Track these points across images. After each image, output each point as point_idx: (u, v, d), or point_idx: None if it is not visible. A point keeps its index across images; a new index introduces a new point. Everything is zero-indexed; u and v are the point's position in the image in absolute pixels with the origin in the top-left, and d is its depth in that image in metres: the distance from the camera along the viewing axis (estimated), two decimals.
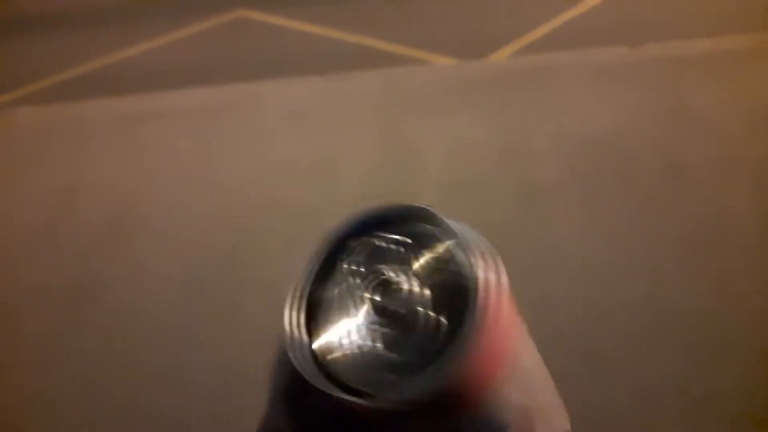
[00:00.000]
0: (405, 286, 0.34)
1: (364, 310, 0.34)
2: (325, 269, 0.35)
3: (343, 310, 0.34)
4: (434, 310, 0.34)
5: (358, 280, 0.34)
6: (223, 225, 2.19)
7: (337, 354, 0.34)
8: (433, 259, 0.35)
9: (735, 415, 1.56)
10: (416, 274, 0.35)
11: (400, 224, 0.35)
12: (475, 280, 0.34)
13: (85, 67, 3.65)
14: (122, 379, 1.76)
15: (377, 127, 2.69)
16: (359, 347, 0.34)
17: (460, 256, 0.35)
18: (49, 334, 1.94)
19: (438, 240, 0.35)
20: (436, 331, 0.34)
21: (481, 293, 0.34)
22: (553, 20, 3.56)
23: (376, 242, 0.35)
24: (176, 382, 1.73)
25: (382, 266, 0.34)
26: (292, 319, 0.33)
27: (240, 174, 2.43)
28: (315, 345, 0.34)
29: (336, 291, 0.35)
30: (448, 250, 0.35)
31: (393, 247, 0.35)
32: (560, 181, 2.28)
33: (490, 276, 0.35)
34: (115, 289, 2.02)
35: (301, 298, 0.34)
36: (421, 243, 0.35)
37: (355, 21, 3.76)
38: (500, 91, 2.84)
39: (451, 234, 0.35)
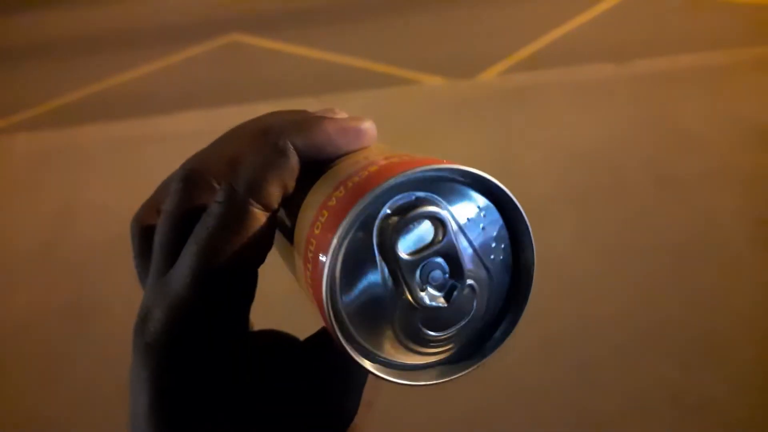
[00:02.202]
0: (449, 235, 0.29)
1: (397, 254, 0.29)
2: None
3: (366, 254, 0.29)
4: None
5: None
6: None
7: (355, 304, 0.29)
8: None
9: (729, 424, 1.56)
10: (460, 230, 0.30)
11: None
12: (532, 263, 0.31)
13: (80, 93, 3.67)
14: (120, 400, 1.77)
15: None
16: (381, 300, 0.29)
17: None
18: (47, 355, 1.94)
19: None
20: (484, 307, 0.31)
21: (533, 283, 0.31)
22: (540, 39, 3.61)
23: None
24: None
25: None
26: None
27: None
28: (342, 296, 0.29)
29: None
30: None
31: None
32: (551, 196, 2.31)
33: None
34: (113, 309, 2.03)
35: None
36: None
37: (347, 43, 3.81)
38: (490, 110, 2.87)
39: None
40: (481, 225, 0.30)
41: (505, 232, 0.31)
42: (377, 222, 0.28)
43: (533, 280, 0.31)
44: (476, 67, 3.38)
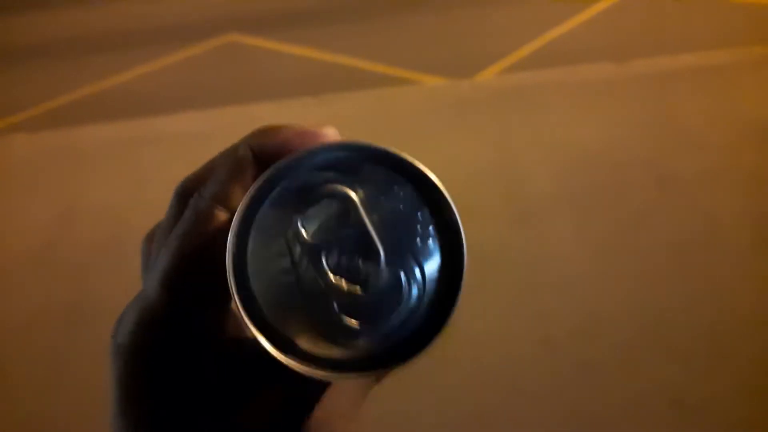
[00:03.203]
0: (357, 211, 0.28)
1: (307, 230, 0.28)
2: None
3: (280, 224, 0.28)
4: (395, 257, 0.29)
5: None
6: None
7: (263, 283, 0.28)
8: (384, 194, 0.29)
9: (730, 423, 1.56)
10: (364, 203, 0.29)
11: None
12: (460, 236, 0.29)
13: (79, 94, 3.67)
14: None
15: None
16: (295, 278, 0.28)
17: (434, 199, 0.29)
18: (47, 357, 1.94)
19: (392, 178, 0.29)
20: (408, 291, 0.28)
21: (466, 257, 0.29)
22: (539, 38, 3.61)
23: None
24: None
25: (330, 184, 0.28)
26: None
27: None
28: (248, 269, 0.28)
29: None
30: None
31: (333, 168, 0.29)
32: (551, 195, 2.31)
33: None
34: (113, 310, 2.02)
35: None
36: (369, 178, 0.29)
37: (346, 43, 3.80)
38: (489, 109, 2.87)
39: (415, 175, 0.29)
40: (401, 206, 0.29)
41: (428, 216, 0.29)
42: (279, 201, 0.28)
43: (464, 267, 0.29)
44: (475, 67, 3.38)
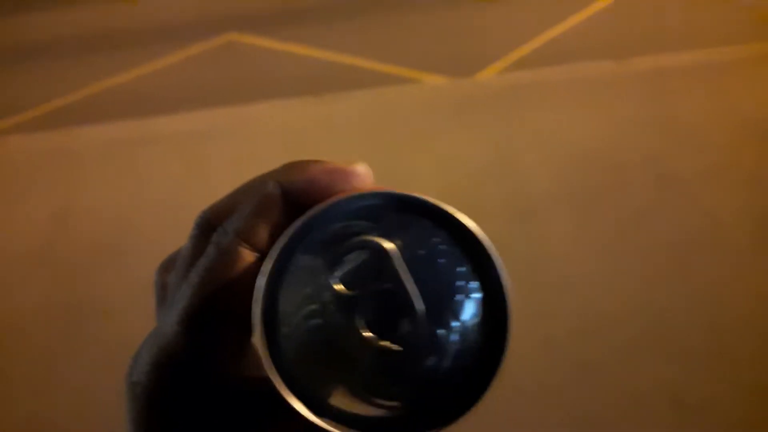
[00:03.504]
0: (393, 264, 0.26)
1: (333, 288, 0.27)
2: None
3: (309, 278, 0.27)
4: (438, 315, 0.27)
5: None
6: None
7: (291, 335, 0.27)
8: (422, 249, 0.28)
9: (730, 423, 1.56)
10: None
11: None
12: (505, 288, 0.27)
13: (76, 94, 3.66)
14: (121, 400, 1.76)
15: (371, 145, 2.71)
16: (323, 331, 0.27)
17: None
18: (45, 357, 1.94)
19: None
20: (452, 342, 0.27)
21: (512, 310, 0.27)
22: (540, 37, 3.60)
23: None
24: None
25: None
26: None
27: None
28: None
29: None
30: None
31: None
32: (551, 194, 2.30)
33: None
34: (111, 311, 2.02)
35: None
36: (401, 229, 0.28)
37: (346, 42, 3.80)
38: (490, 108, 2.87)
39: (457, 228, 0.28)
40: (440, 260, 0.27)
41: (469, 271, 0.28)
42: (314, 250, 0.27)
43: (509, 332, 0.27)
44: (476, 66, 3.38)
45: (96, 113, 3.36)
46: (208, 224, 0.32)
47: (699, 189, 2.26)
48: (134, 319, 2.02)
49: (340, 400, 0.27)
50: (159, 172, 2.71)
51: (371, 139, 2.75)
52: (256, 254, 0.29)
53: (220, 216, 0.31)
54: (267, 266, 0.26)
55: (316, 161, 0.31)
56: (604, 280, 1.96)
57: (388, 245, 0.27)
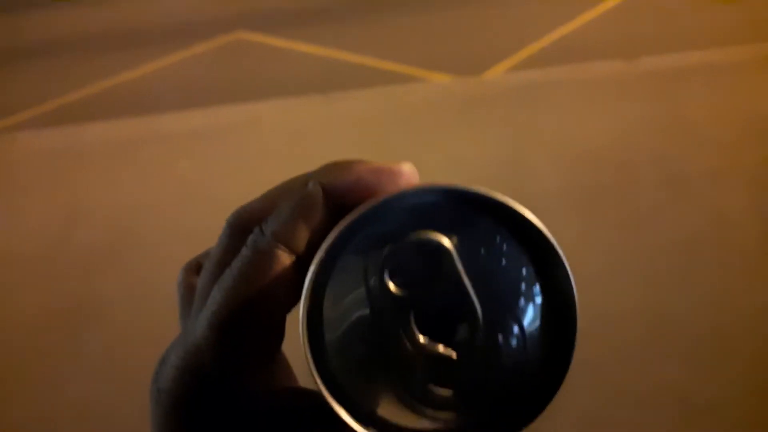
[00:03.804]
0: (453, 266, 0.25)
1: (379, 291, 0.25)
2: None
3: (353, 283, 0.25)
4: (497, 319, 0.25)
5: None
6: None
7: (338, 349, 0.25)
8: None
9: (734, 423, 1.55)
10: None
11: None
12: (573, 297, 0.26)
13: (84, 91, 3.67)
14: (124, 401, 1.76)
15: (378, 144, 2.70)
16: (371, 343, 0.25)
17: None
18: (50, 358, 1.94)
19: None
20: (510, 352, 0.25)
21: (579, 317, 0.25)
22: (547, 36, 3.59)
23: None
24: None
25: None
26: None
27: (240, 194, 2.43)
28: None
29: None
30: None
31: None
32: (558, 194, 2.30)
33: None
34: (116, 310, 2.03)
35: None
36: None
37: (353, 41, 3.80)
38: (497, 107, 2.86)
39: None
40: (502, 261, 0.26)
41: (534, 273, 0.26)
42: (363, 251, 0.25)
43: (576, 339, 0.25)
44: (483, 65, 3.37)
45: (103, 111, 3.37)
46: (242, 225, 0.30)
47: (706, 189, 2.25)
48: (138, 318, 2.02)
49: (388, 410, 0.25)
50: (166, 169, 2.71)
51: (377, 138, 2.75)
52: (293, 257, 0.27)
53: (255, 216, 0.30)
54: (312, 267, 0.25)
55: (359, 161, 0.29)
56: (609, 280, 1.95)
57: (446, 242, 0.25)
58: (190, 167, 2.70)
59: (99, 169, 2.80)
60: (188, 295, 0.33)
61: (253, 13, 4.44)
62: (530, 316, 0.26)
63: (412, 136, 2.74)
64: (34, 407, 1.80)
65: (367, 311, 0.25)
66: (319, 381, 0.24)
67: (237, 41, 4.09)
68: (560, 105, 2.81)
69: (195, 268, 0.33)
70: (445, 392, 0.25)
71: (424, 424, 0.25)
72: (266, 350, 0.28)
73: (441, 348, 0.25)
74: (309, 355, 0.24)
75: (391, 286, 0.25)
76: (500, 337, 0.25)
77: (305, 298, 0.25)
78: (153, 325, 2.16)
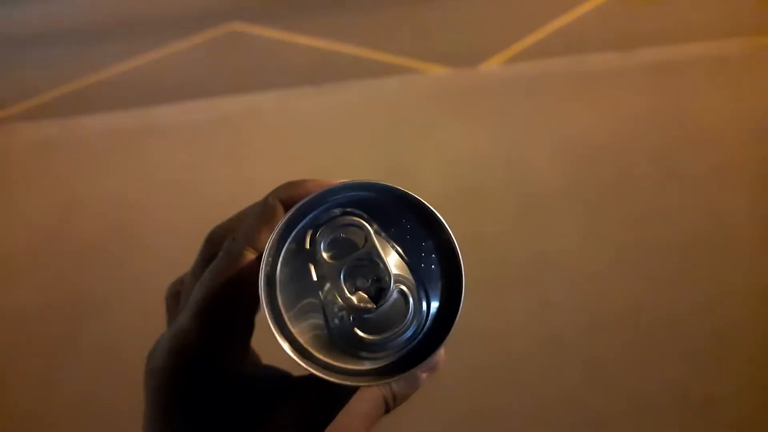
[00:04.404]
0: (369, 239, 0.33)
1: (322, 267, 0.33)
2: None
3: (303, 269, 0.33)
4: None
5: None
6: None
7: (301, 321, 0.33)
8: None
9: (735, 422, 1.55)
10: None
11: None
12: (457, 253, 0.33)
13: (82, 82, 3.66)
14: (121, 396, 1.76)
15: (373, 136, 2.70)
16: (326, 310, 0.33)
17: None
18: (47, 351, 1.94)
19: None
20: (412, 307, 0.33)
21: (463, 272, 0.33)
22: (544, 27, 3.58)
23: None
24: None
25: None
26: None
27: (239, 186, 2.44)
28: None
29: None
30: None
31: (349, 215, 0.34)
32: (556, 187, 2.29)
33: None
34: (114, 304, 2.02)
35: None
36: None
37: (349, 32, 3.78)
38: (494, 99, 2.86)
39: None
40: (407, 236, 0.34)
41: (431, 245, 0.34)
42: (306, 232, 0.33)
43: (462, 292, 0.33)
44: (480, 56, 3.36)
45: (100, 102, 3.36)
46: (217, 239, 0.37)
47: (707, 184, 2.24)
48: (136, 312, 2.02)
49: (328, 354, 0.32)
50: (164, 161, 2.71)
51: (373, 130, 2.74)
52: (258, 254, 0.34)
53: (226, 231, 0.37)
54: (269, 245, 0.32)
55: (310, 179, 0.36)
56: (609, 278, 1.95)
57: (365, 224, 0.33)
58: (189, 158, 2.69)
59: (95, 161, 2.80)
60: (173, 303, 0.39)
61: (247, 5, 4.42)
62: (430, 277, 0.34)
63: (408, 127, 2.73)
64: (29, 400, 1.80)
65: (310, 278, 0.33)
66: (274, 330, 0.32)
67: (232, 33, 4.08)
68: (557, 97, 2.80)
69: (179, 282, 0.39)
70: (368, 337, 0.33)
71: (356, 364, 0.32)
72: (241, 335, 0.35)
73: (362, 301, 0.33)
74: (267, 312, 0.32)
75: (325, 255, 0.33)
76: (407, 292, 0.33)
77: (264, 264, 0.32)
78: (149, 319, 2.15)
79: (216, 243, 0.37)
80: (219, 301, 0.33)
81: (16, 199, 2.63)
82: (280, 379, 0.37)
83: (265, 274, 0.32)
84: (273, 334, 0.31)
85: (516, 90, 2.90)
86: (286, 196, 0.35)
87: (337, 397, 0.34)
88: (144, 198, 2.49)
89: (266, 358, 0.40)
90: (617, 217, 2.16)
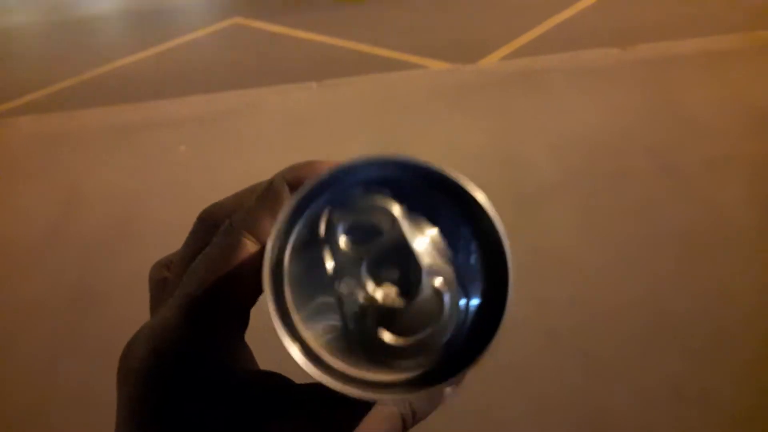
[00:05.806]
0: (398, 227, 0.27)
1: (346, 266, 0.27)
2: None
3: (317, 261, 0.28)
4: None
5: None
6: None
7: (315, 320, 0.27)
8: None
9: (732, 417, 1.55)
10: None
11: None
12: (505, 249, 0.27)
13: (84, 76, 3.66)
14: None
15: (373, 132, 2.70)
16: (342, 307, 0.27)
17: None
18: (49, 345, 1.94)
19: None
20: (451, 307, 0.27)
21: (512, 273, 0.27)
22: (543, 23, 3.58)
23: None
24: None
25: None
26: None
27: (239, 181, 2.43)
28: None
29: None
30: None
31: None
32: (555, 183, 2.29)
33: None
34: (115, 298, 2.02)
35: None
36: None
37: (350, 28, 3.78)
38: (493, 95, 2.86)
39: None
40: (442, 221, 0.28)
41: (470, 232, 0.28)
42: (320, 215, 0.27)
43: (509, 293, 0.27)
44: (479, 52, 3.36)
45: (104, 96, 3.36)
46: (212, 220, 0.32)
47: (704, 178, 2.23)
48: (137, 306, 2.02)
49: (345, 361, 0.27)
50: (165, 155, 2.70)
51: (374, 125, 2.74)
52: (259, 247, 0.29)
53: (225, 212, 0.32)
54: (273, 233, 0.27)
55: (319, 160, 0.31)
56: (606, 272, 1.94)
57: (392, 206, 0.27)
58: (189, 153, 2.69)
59: (97, 154, 2.80)
60: (159, 289, 0.33)
61: (250, 0, 4.42)
62: (468, 270, 0.28)
63: (408, 123, 2.74)
64: (30, 394, 1.80)
65: (324, 269, 0.27)
66: (280, 329, 0.26)
67: (234, 27, 4.08)
68: (556, 93, 2.81)
69: (166, 264, 0.34)
70: (394, 340, 0.27)
71: (376, 372, 0.27)
72: (234, 333, 0.30)
73: (388, 298, 0.27)
74: (273, 310, 0.27)
75: (343, 243, 0.27)
76: (441, 289, 0.27)
77: (269, 253, 0.27)
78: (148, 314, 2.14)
79: (211, 224, 0.31)
80: (211, 295, 0.28)
81: (17, 193, 2.62)
82: (280, 388, 0.30)
83: (270, 267, 0.26)
84: (279, 338, 0.26)
85: (515, 85, 2.90)
86: (294, 178, 0.30)
87: (351, 412, 0.28)
88: (146, 192, 2.49)
89: (266, 360, 0.35)
90: (615, 211, 2.16)
